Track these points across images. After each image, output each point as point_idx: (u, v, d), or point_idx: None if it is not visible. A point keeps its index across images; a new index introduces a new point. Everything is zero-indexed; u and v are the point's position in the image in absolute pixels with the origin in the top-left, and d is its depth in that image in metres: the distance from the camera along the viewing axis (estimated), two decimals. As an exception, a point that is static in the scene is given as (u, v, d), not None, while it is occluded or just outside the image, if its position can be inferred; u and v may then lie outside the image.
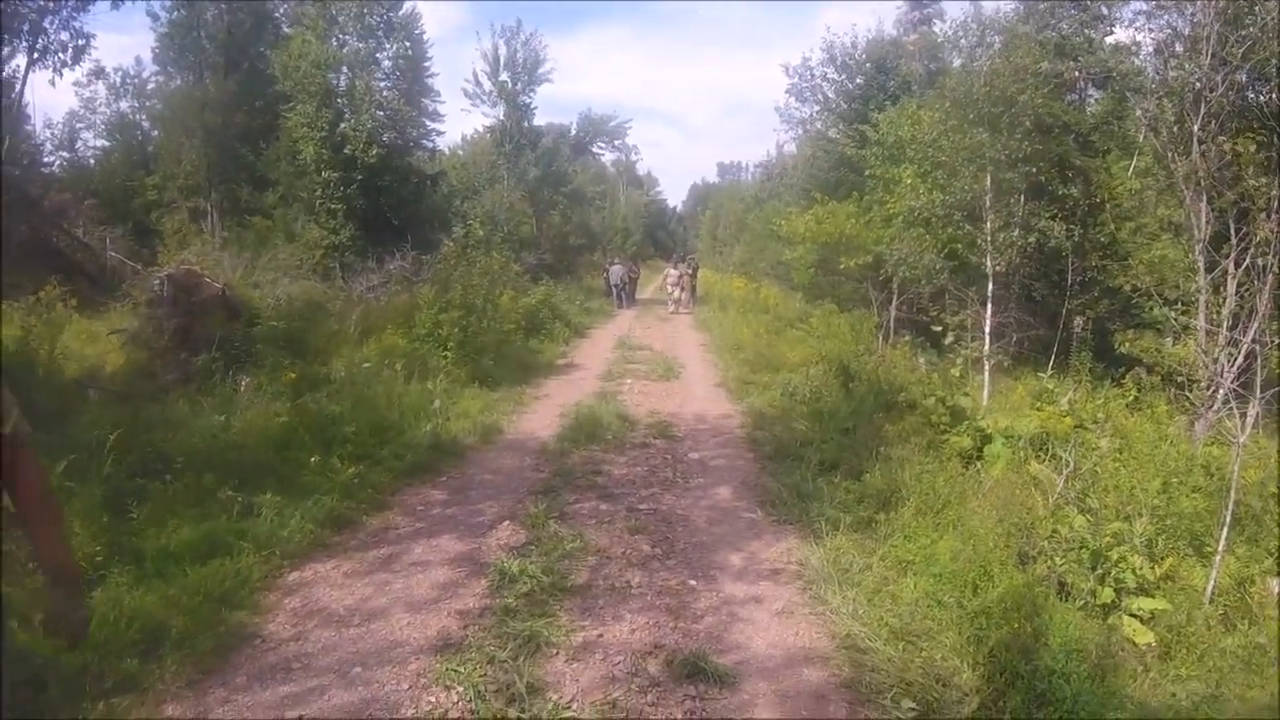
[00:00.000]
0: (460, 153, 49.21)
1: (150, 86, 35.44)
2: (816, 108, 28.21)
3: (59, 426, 8.08)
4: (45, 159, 33.81)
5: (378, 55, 29.26)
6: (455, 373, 12.76)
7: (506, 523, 7.02)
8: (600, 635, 5.09)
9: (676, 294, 30.80)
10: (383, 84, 29.12)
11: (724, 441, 10.05)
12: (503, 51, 39.24)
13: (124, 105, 36.57)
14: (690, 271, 32.52)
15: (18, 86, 19.69)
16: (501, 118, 39.87)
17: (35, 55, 13.08)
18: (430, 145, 33.83)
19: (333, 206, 26.83)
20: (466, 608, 5.47)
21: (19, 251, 16.73)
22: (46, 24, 12.87)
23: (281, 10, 34.09)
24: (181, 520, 6.44)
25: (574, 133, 42.15)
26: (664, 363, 16.15)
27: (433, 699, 4.44)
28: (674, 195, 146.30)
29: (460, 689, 4.48)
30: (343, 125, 27.45)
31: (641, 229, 74.57)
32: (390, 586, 5.87)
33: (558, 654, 4.86)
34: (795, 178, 30.57)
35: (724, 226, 60.16)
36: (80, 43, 13.47)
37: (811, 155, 28.57)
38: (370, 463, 8.32)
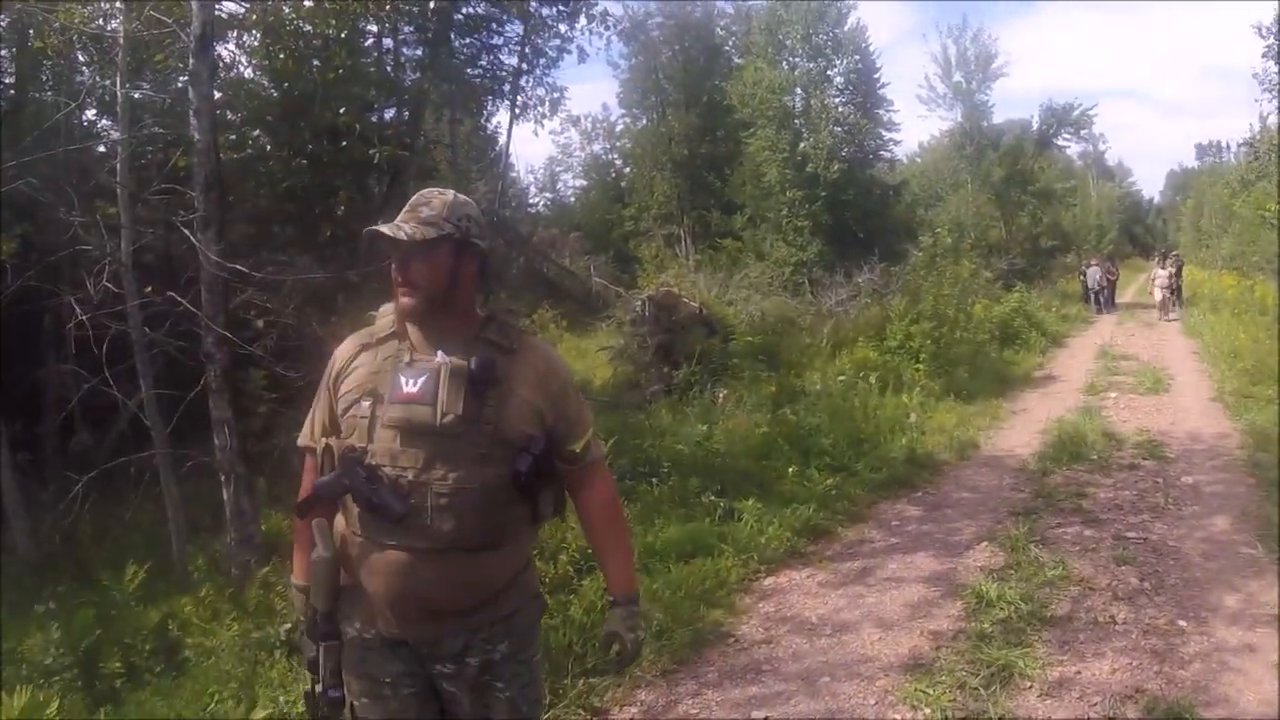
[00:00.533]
0: (919, 160, 48.56)
1: (619, 128, 38.96)
2: (1302, 69, 24.55)
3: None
4: (531, 200, 38.31)
5: (829, 73, 29.70)
6: (929, 386, 12.59)
7: (984, 544, 6.78)
8: (1078, 672, 4.72)
9: (1163, 297, 27.15)
10: (837, 100, 29.52)
11: (1221, 465, 9.02)
12: (952, 51, 38.16)
13: (596, 147, 40.67)
14: (1175, 270, 29.09)
15: (501, 139, 22.32)
16: (959, 119, 38.81)
17: (516, 111, 14.69)
18: (889, 155, 33.90)
19: (799, 224, 27.58)
20: (939, 629, 5.33)
21: (515, 280, 18.86)
22: (523, 83, 14.45)
23: (730, 43, 35.75)
24: (667, 520, 6.94)
25: (1036, 127, 40.10)
26: (1151, 374, 14.78)
27: (897, 717, 4.37)
28: (1149, 184, 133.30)
29: (927, 710, 4.36)
30: (802, 145, 28.16)
31: (1117, 225, 68.88)
32: (863, 600, 5.87)
33: (1031, 687, 4.57)
34: (1288, 152, 26.54)
35: (1208, 216, 54.01)
36: (555, 96, 15.06)
37: (1304, 124, 24.82)
38: (846, 474, 8.44)
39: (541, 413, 2.48)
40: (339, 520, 2.52)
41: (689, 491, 7.47)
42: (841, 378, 11.76)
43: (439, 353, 2.40)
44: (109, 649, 5.02)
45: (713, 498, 7.34)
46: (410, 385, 2.38)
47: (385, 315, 2.57)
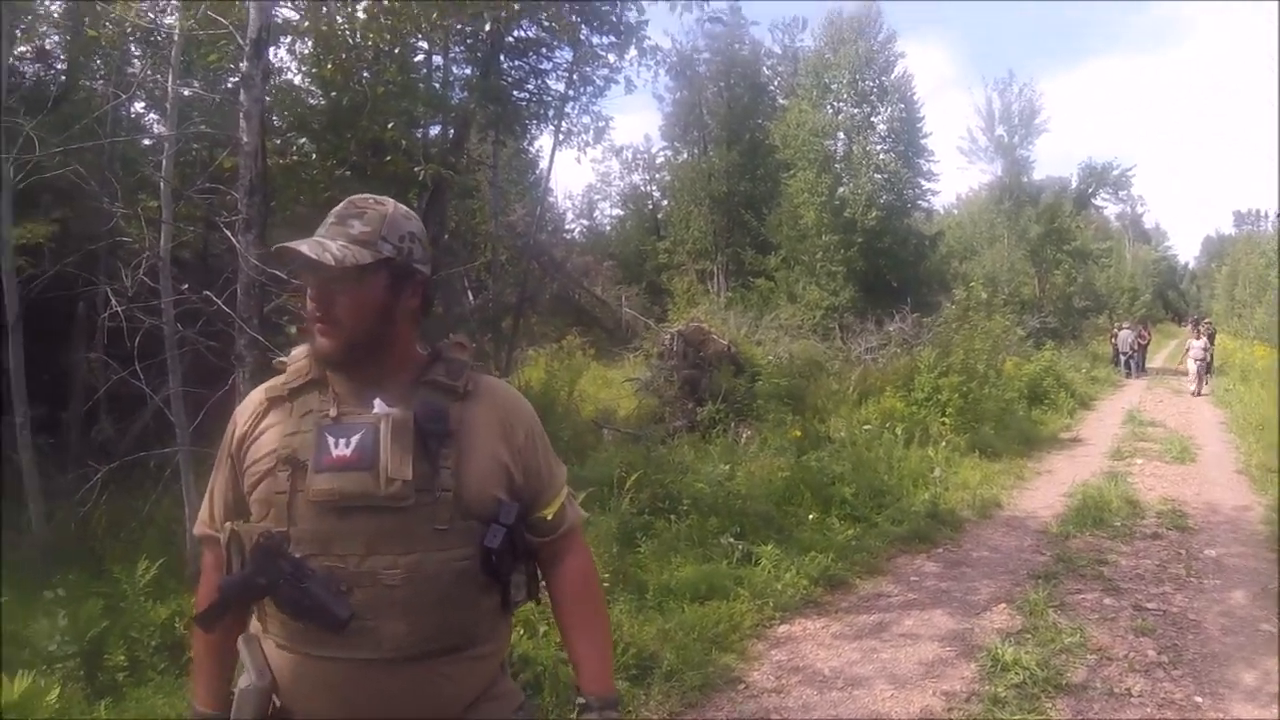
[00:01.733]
0: (955, 212, 48.63)
1: (659, 160, 39.27)
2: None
3: (578, 460, 9.04)
4: (567, 226, 38.61)
5: (872, 119, 29.88)
6: (955, 440, 12.49)
7: (1002, 605, 6.71)
8: (1093, 744, 4.72)
9: (1198, 369, 24.49)
10: (879, 147, 29.66)
11: (1243, 538, 8.89)
12: (996, 104, 38.31)
13: (635, 178, 41.26)
14: (1207, 340, 27.52)
15: (542, 164, 22.58)
16: (999, 173, 38.86)
17: (560, 137, 14.82)
18: (927, 206, 33.98)
19: (833, 269, 27.64)
20: (953, 690, 5.26)
21: (546, 305, 19.02)
22: (569, 109, 14.56)
23: (775, 83, 36.02)
24: (684, 559, 6.92)
25: (1075, 185, 40.17)
26: (1178, 442, 14.59)
27: (907, 777, 4.35)
28: (1185, 249, 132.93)
29: (937, 773, 4.35)
30: (842, 190, 28.29)
31: (1151, 289, 68.58)
32: (877, 655, 5.81)
33: (1043, 755, 4.57)
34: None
35: (1242, 285, 53.65)
36: (600, 124, 15.17)
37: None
38: (866, 525, 8.43)
39: (509, 471, 1.98)
40: (253, 623, 2.00)
41: (707, 531, 7.44)
42: (867, 427, 11.73)
43: (376, 402, 1.89)
44: (114, 641, 4.97)
45: (731, 540, 7.31)
46: (341, 447, 1.86)
47: (299, 359, 2.03)
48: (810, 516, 8.18)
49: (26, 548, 6.75)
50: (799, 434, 10.54)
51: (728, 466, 8.88)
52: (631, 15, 12.86)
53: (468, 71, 13.41)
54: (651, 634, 5.57)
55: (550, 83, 14.46)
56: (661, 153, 39.23)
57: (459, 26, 11.73)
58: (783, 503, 8.47)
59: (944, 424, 13.10)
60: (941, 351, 15.28)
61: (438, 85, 12.77)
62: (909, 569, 7.76)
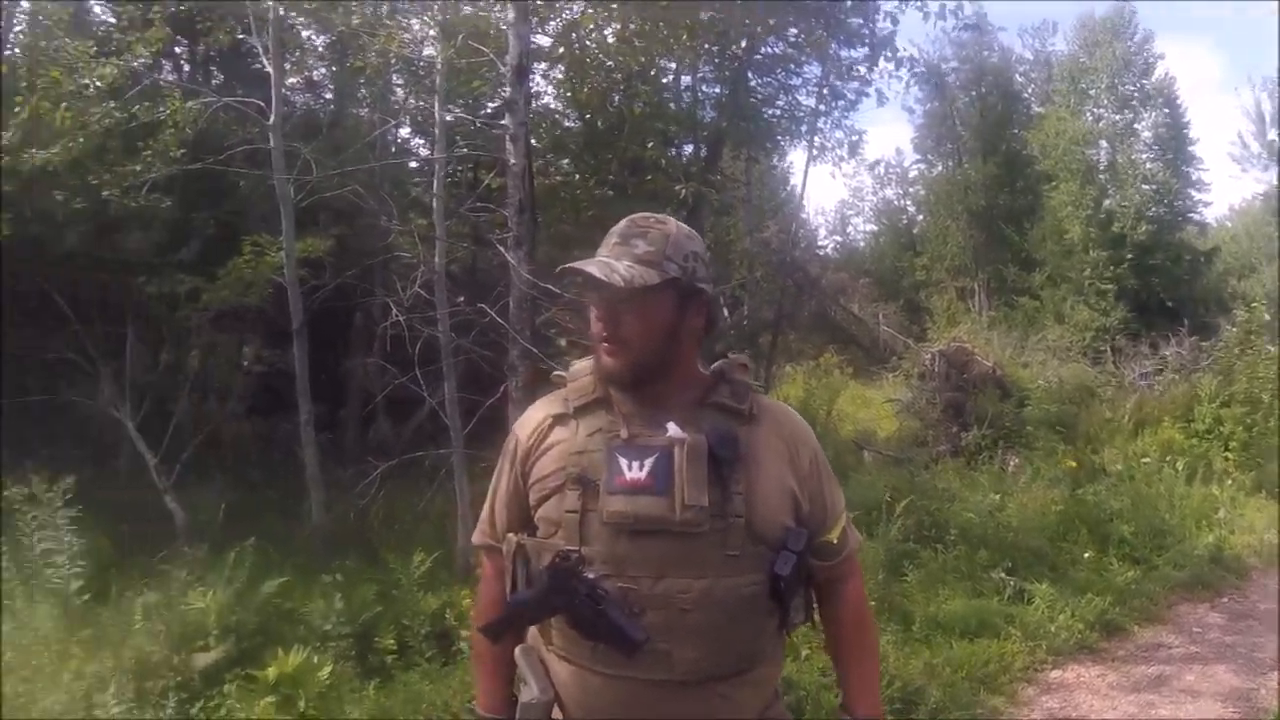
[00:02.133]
0: (1229, 224, 45.22)
1: (912, 174, 38.22)
2: None
3: (841, 482, 9.05)
4: (821, 243, 38.14)
5: (1135, 126, 28.30)
6: (1239, 478, 11.54)
7: (1290, 666, 6.27)
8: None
9: None
10: (1144, 155, 28.06)
11: None
12: (1267, 107, 35.27)
13: (889, 192, 39.92)
14: None
15: (794, 180, 22.65)
16: (1275, 181, 35.86)
17: (814, 153, 14.78)
18: (1199, 218, 31.80)
19: (1102, 287, 26.23)
20: (1235, 753, 5.00)
21: (803, 322, 19.01)
22: (821, 125, 14.51)
23: (1029, 90, 34.56)
24: (952, 592, 6.79)
25: (1362, 195, 36.54)
26: None
27: None
28: None
29: None
30: (1107, 202, 26.89)
31: None
32: (1155, 710, 5.53)
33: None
34: None
35: None
36: (854, 139, 15.06)
37: None
38: (1146, 568, 7.98)
39: (796, 497, 1.96)
40: (530, 633, 2.06)
41: (977, 564, 7.27)
42: (1146, 460, 11.06)
43: (670, 425, 1.87)
44: (385, 626, 5.27)
45: (1003, 575, 7.11)
46: (635, 470, 1.84)
47: (581, 376, 2.03)
48: (1086, 555, 7.82)
49: (306, 536, 7.37)
50: (1075, 465, 10.10)
51: (998, 496, 8.64)
52: (883, 27, 12.69)
53: (716, 90, 13.62)
54: (918, 668, 5.51)
55: (801, 98, 14.45)
56: (914, 166, 38.13)
57: (707, 46, 11.94)
58: (1056, 538, 8.14)
59: (1227, 459, 12.24)
60: (1223, 379, 14.29)
61: (687, 104, 13.05)
62: (1190, 618, 7.31)
